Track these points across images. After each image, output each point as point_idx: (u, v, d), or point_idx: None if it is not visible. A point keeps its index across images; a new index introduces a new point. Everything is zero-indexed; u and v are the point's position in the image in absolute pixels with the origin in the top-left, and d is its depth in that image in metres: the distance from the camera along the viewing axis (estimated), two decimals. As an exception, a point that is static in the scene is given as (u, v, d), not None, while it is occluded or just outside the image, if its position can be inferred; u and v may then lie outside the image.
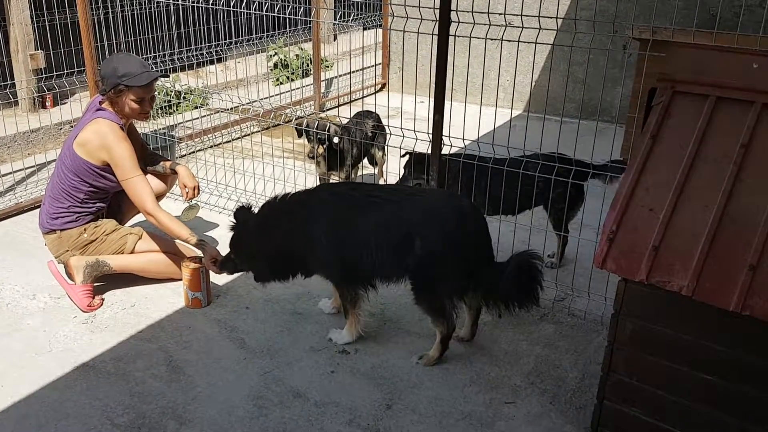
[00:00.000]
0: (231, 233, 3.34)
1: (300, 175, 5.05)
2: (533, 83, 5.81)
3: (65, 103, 6.38)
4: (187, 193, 3.90)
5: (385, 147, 4.97)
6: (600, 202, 3.74)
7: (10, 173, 4.90)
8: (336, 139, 4.45)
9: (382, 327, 3.49)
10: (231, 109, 5.64)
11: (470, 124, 3.68)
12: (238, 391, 2.98)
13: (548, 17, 3.37)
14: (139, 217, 4.21)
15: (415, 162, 3.85)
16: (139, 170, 3.51)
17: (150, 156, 4.01)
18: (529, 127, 3.76)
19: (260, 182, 4.86)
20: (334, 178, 4.72)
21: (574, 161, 3.56)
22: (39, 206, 3.84)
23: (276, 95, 6.93)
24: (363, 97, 7.38)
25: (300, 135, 4.57)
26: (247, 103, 4.81)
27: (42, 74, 5.88)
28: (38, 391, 2.91)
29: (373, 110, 4.97)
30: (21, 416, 2.75)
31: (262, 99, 5.69)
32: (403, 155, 3.99)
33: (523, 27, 3.26)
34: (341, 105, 7.20)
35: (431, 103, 3.47)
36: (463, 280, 3.00)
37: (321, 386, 3.02)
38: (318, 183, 4.79)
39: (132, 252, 3.70)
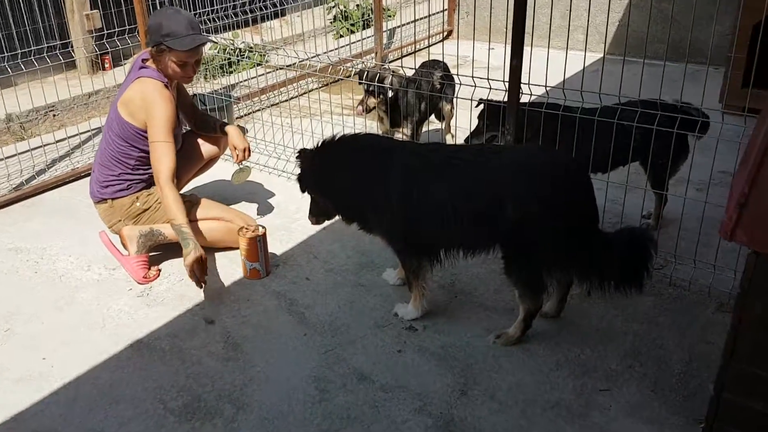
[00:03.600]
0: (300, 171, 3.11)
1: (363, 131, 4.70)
2: (619, 23, 5.20)
3: (125, 64, 6.23)
4: (238, 155, 3.63)
5: (454, 100, 4.53)
6: (702, 154, 3.25)
7: (65, 139, 4.75)
8: (390, 93, 4.05)
9: (452, 300, 3.15)
10: (289, 66, 5.31)
11: (551, 70, 3.21)
12: (298, 372, 2.73)
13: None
14: (195, 183, 4.01)
15: (490, 113, 3.41)
16: (171, 137, 3.22)
17: (201, 117, 3.76)
18: (614, 71, 3.26)
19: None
20: (398, 136, 4.34)
21: (679, 107, 3.04)
22: (95, 172, 3.66)
23: (336, 49, 6.55)
24: (428, 46, 6.90)
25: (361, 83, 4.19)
26: (305, 59, 4.45)
27: (99, 34, 5.72)
28: (89, 371, 2.74)
29: (441, 59, 4.52)
30: (70, 399, 2.59)
31: (319, 54, 5.33)
32: (477, 104, 3.56)
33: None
34: (405, 56, 6.76)
35: (507, 47, 3.02)
36: (565, 247, 2.59)
37: (387, 367, 2.73)
38: None
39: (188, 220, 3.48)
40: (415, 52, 6.76)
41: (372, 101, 4.12)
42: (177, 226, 3.14)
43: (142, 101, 3.22)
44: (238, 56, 6.17)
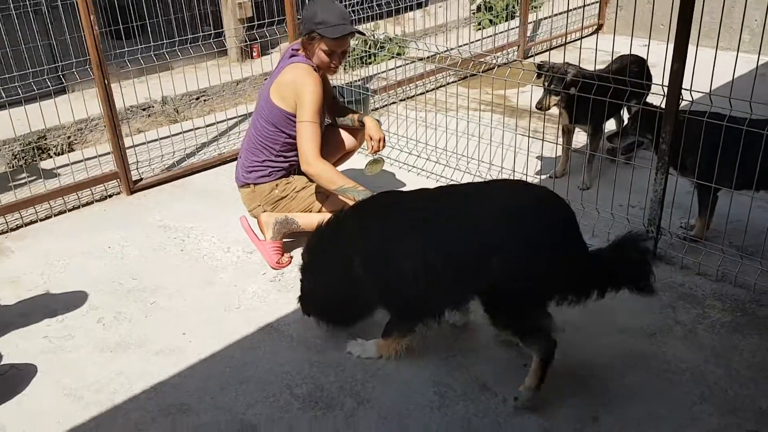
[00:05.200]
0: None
1: (497, 131, 4.57)
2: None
3: (270, 53, 6.49)
4: (373, 145, 3.65)
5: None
6: None
7: (213, 124, 5.04)
8: (573, 90, 3.80)
9: (589, 319, 2.95)
10: (427, 58, 5.27)
11: (715, 73, 2.92)
12: (418, 374, 2.70)
13: None
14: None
15: (644, 116, 3.16)
16: (318, 119, 3.33)
17: (339, 109, 3.83)
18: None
19: (453, 138, 4.47)
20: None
21: None
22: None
23: (476, 41, 6.42)
24: (575, 40, 6.59)
25: (539, 77, 3.99)
26: (444, 51, 4.39)
27: (249, 23, 5.99)
28: (223, 350, 2.88)
29: (639, 55, 4.11)
30: (205, 376, 2.73)
31: (458, 47, 5.23)
32: (635, 111, 3.32)
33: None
34: (550, 50, 6.50)
35: (663, 45, 2.78)
36: (554, 289, 2.38)
37: (510, 381, 2.62)
38: (562, 135, 4.19)
39: (320, 211, 3.57)
40: (559, 46, 6.49)
41: (552, 100, 3.89)
42: (342, 189, 3.24)
43: (293, 84, 3.33)
44: (378, 48, 6.23)
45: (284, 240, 3.56)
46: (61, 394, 2.65)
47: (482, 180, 4.00)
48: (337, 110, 3.82)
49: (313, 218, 3.54)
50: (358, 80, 5.56)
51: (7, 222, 3.85)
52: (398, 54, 6.02)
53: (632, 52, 3.94)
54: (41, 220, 3.95)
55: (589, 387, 2.58)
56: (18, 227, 3.87)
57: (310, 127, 3.30)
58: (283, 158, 3.55)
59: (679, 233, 3.46)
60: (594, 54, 3.71)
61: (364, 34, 3.73)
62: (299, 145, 3.33)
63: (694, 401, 2.49)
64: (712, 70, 2.88)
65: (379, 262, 2.53)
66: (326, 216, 3.50)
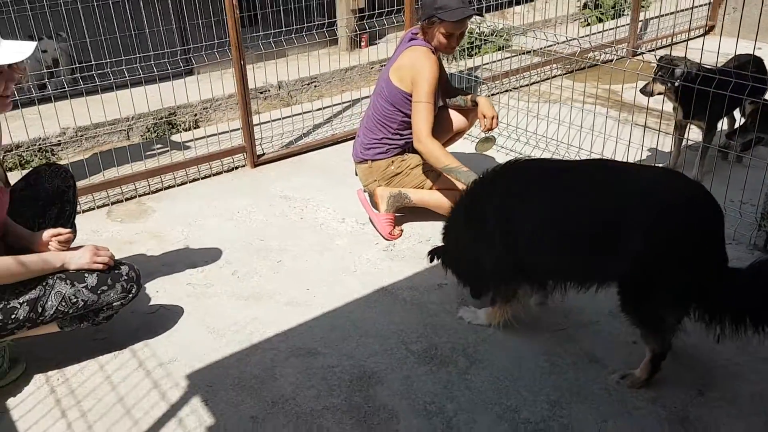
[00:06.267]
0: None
1: (608, 122, 4.62)
2: None
3: (377, 44, 6.76)
4: (486, 123, 3.81)
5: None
6: None
7: (329, 107, 5.36)
8: (677, 83, 3.81)
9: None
10: (536, 50, 5.37)
11: None
12: (528, 343, 2.85)
13: None
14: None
15: (764, 113, 3.18)
16: (432, 99, 3.52)
17: (453, 91, 4.02)
18: None
19: (562, 128, 4.57)
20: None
21: None
22: (351, 138, 4.11)
23: (585, 36, 6.44)
24: (690, 38, 6.51)
25: (659, 69, 4.01)
26: (552, 44, 4.49)
27: (361, 14, 6.26)
28: (343, 306, 3.14)
29: (754, 54, 4.08)
30: (328, 327, 3.00)
31: (567, 40, 5.31)
32: (750, 102, 3.34)
33: None
34: (659, 48, 6.44)
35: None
36: (690, 287, 2.35)
37: (620, 355, 2.74)
38: (675, 130, 4.22)
39: (431, 188, 3.77)
40: (668, 45, 6.42)
41: (657, 87, 3.98)
42: (447, 168, 3.43)
43: (411, 66, 3.56)
44: (482, 40, 6.36)
45: (396, 214, 3.78)
46: (204, 331, 2.98)
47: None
48: (450, 92, 4.01)
49: (424, 194, 3.76)
50: (464, 70, 5.73)
51: (149, 185, 4.27)
52: (503, 47, 6.13)
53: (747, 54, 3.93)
54: (178, 185, 4.36)
55: (697, 365, 2.66)
56: (158, 190, 4.29)
57: (424, 107, 3.50)
58: (399, 136, 3.77)
59: (793, 230, 3.44)
60: (707, 55, 3.72)
61: (482, 15, 3.90)
62: (413, 124, 3.55)
63: (802, 387, 2.53)
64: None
65: (512, 214, 2.61)
66: (436, 193, 3.75)
